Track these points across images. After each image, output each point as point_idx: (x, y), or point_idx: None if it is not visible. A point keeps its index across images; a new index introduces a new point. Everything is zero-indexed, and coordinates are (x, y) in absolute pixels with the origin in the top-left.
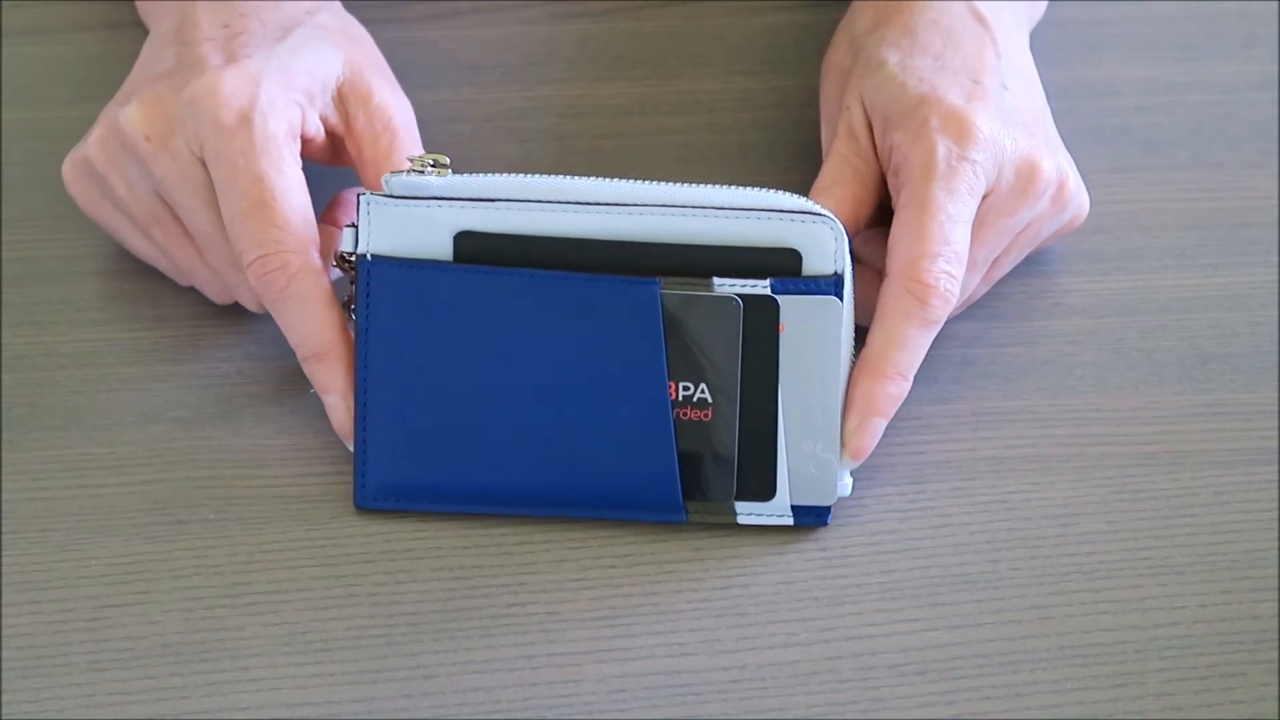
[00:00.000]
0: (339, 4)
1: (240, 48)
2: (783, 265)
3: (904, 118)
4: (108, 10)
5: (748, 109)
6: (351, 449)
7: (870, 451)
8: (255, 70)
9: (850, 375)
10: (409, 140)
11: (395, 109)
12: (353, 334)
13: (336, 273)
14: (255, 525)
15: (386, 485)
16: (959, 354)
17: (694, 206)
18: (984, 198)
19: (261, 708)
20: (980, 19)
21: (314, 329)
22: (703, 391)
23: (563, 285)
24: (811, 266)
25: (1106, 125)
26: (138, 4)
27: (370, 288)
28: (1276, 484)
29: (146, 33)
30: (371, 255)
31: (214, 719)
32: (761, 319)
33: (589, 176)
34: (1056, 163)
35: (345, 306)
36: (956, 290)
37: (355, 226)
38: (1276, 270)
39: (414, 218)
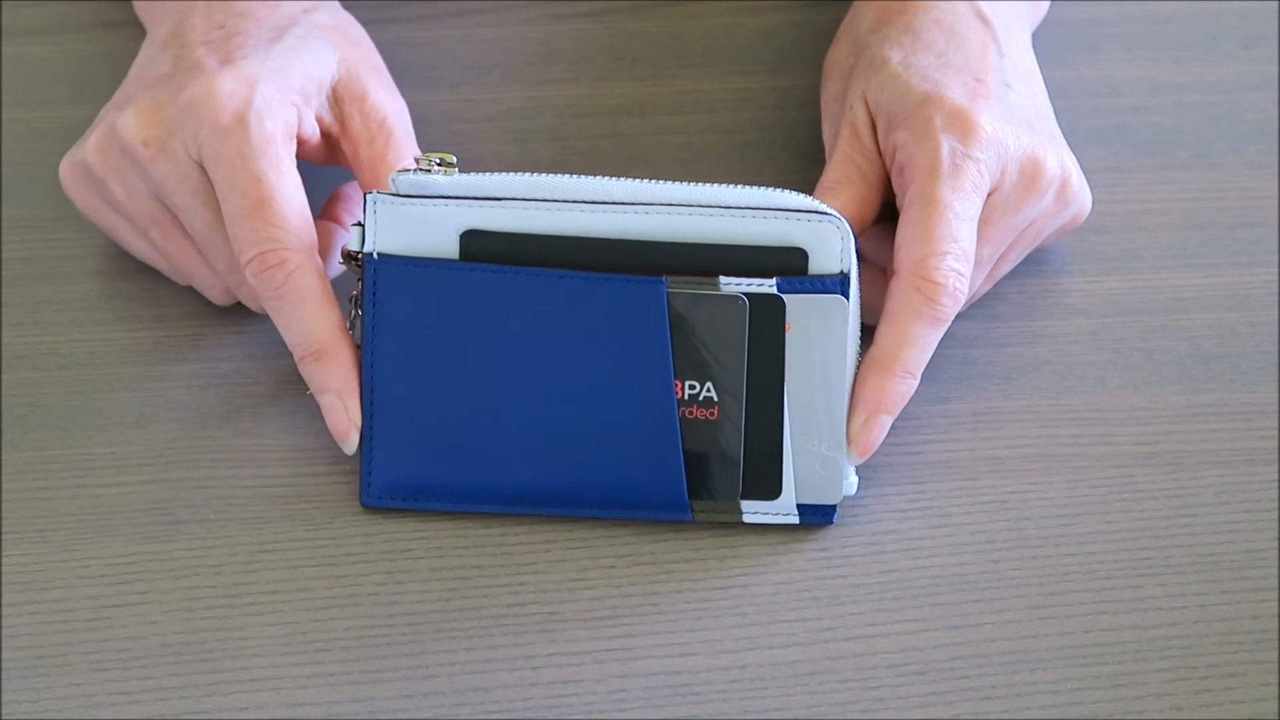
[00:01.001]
0: (337, 3)
1: (236, 49)
2: (789, 264)
3: (907, 116)
4: (107, 10)
5: (748, 109)
6: (348, 452)
7: (876, 448)
8: (251, 72)
9: (857, 374)
10: (405, 140)
11: (390, 109)
12: (357, 333)
13: (335, 270)
14: (255, 525)
15: (392, 483)
16: (959, 354)
17: (700, 205)
18: (988, 195)
19: (261, 708)
20: (983, 18)
21: (311, 327)
22: (709, 390)
23: (569, 284)
24: (818, 266)
25: (1106, 125)
26: (135, 4)
27: (377, 286)
28: (1276, 484)
29: (145, 33)
30: (378, 254)
31: (214, 719)
32: (767, 318)
33: (593, 176)
34: (1060, 160)
35: (352, 302)
36: (965, 288)
37: (362, 225)
38: (1276, 270)
39: (421, 216)
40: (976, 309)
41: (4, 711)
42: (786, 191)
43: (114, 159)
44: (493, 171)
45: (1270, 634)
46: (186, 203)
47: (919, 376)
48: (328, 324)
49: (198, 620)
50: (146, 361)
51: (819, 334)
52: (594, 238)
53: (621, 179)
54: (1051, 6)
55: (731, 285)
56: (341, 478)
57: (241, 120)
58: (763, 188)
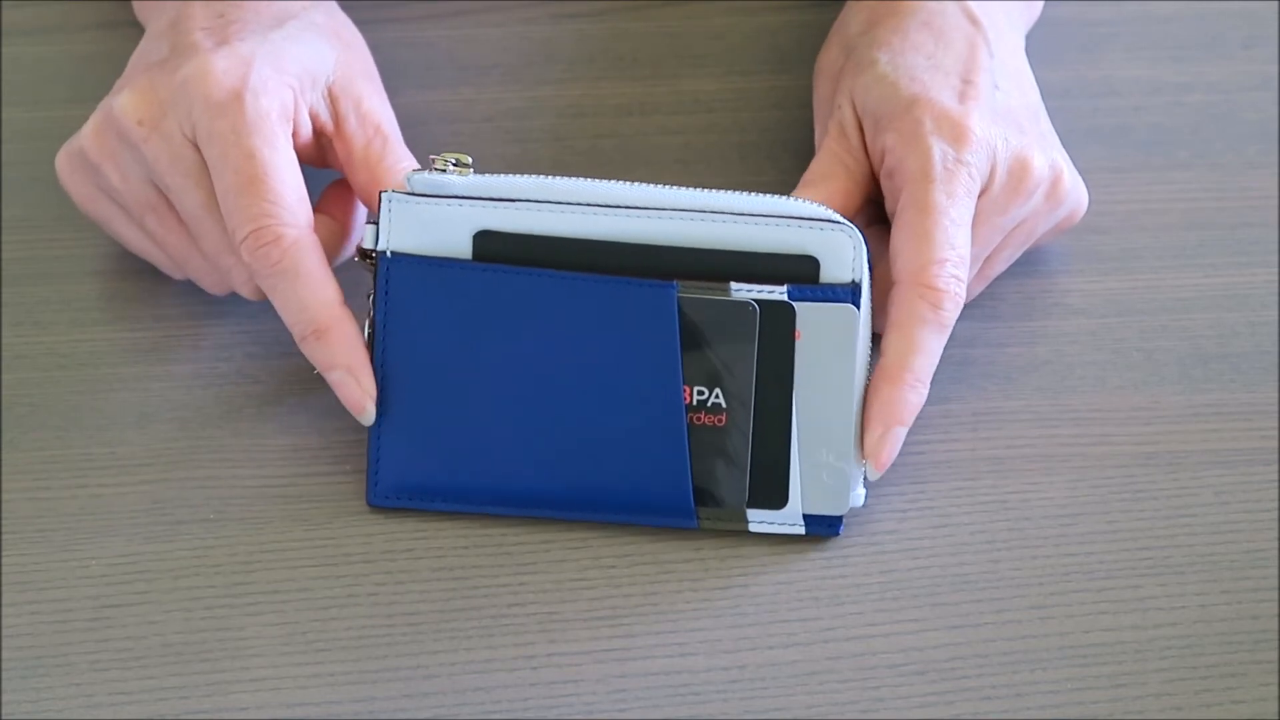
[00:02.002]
0: (335, 5)
1: (234, 34)
2: (800, 272)
3: (896, 119)
4: (106, 10)
5: (748, 109)
6: (365, 424)
7: (892, 462)
8: (248, 51)
9: (868, 386)
10: (400, 147)
11: (384, 116)
12: (367, 330)
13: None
14: (255, 525)
15: (399, 483)
16: (959, 354)
17: (713, 211)
18: (978, 197)
19: (261, 708)
20: (973, 19)
21: (310, 303)
22: (717, 397)
23: (580, 286)
24: (829, 274)
25: (1106, 125)
26: (134, 3)
27: (389, 284)
28: (1276, 484)
29: (144, 32)
30: (391, 252)
31: (214, 719)
32: (777, 325)
33: (606, 180)
34: (1049, 159)
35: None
36: (964, 292)
37: (376, 223)
38: (1276, 270)
39: (435, 216)
40: (976, 309)
41: (4, 711)
42: (800, 200)
43: (109, 142)
44: (493, 172)
45: (1270, 634)
46: (179, 183)
47: (929, 385)
48: (327, 299)
49: (198, 620)
50: (146, 361)
51: (829, 343)
52: (607, 241)
53: (636, 183)
54: (1049, 6)
55: (742, 291)
56: (342, 478)
57: (237, 96)
58: (775, 195)
